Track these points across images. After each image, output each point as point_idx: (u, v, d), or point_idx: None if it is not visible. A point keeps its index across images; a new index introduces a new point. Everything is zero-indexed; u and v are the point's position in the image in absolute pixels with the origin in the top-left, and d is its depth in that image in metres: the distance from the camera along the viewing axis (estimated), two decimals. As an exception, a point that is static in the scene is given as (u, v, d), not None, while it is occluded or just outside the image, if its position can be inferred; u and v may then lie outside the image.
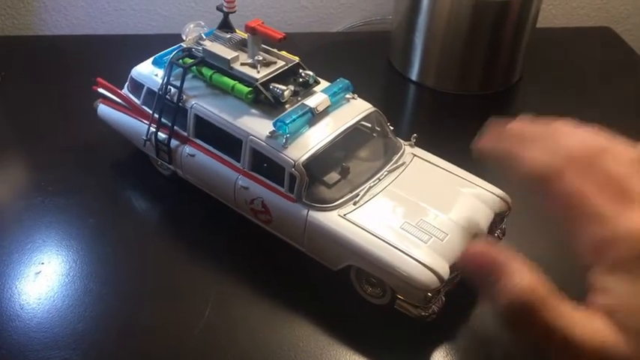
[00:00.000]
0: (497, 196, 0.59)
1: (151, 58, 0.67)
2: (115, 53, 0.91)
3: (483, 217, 0.57)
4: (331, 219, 0.55)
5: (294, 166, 0.55)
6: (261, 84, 0.59)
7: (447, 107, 0.86)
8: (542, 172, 0.40)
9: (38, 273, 0.59)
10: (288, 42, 0.59)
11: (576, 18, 1.09)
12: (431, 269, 0.51)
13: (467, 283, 0.56)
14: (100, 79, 0.70)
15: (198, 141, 0.63)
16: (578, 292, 0.60)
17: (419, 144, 0.63)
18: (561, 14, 1.08)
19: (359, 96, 0.63)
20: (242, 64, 0.61)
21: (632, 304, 0.35)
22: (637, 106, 0.87)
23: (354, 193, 0.57)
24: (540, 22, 0.88)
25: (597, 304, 0.38)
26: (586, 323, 0.36)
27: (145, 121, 0.66)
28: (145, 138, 0.66)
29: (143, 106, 0.67)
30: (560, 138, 0.42)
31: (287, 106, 0.59)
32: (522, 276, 0.37)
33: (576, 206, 0.39)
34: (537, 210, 0.67)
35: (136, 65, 0.68)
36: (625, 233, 0.37)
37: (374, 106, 0.62)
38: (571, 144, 0.40)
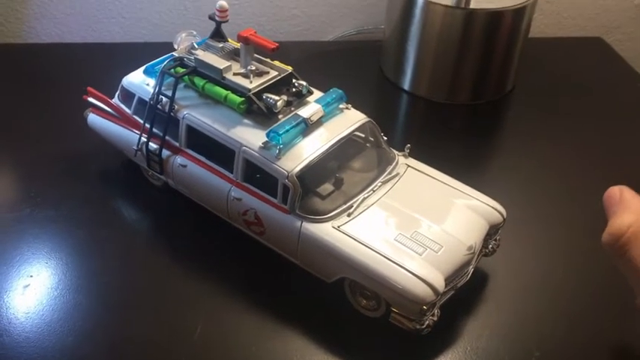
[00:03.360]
0: (492, 208, 0.58)
1: (142, 68, 0.67)
2: (105, 62, 0.90)
3: (478, 229, 0.57)
4: (325, 231, 0.55)
5: (287, 177, 0.55)
6: (254, 94, 0.58)
7: (439, 117, 0.86)
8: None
9: (27, 286, 0.58)
10: (280, 50, 0.59)
11: (568, 28, 1.09)
12: (426, 282, 0.51)
13: (462, 295, 0.56)
14: (90, 89, 0.69)
15: (190, 151, 0.62)
16: (573, 298, 0.60)
17: (411, 154, 0.63)
18: (553, 24, 1.08)
19: (351, 105, 0.63)
20: (235, 74, 0.60)
21: None
22: (628, 115, 0.87)
23: (347, 204, 0.56)
24: (532, 32, 0.88)
25: None
26: None
27: (136, 131, 0.65)
28: (135, 148, 0.65)
29: (134, 116, 0.66)
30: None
31: (280, 116, 0.59)
32: (624, 217, 0.43)
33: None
34: (531, 220, 0.68)
35: (126, 74, 0.67)
36: None
37: (366, 115, 0.62)
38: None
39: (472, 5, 0.80)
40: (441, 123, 0.85)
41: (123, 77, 0.67)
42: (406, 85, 0.89)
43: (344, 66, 0.94)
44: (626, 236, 0.43)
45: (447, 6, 0.80)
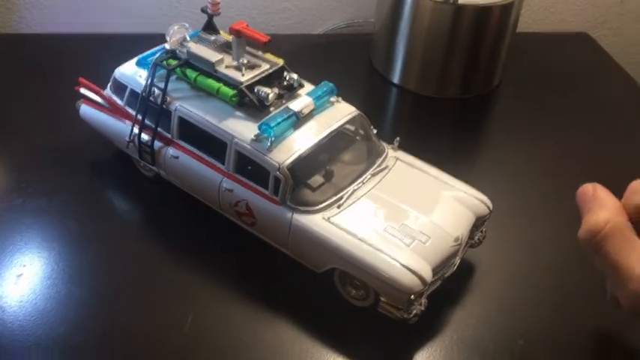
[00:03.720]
0: (479, 200, 0.59)
1: (135, 59, 0.67)
2: (96, 52, 0.90)
3: (465, 220, 0.58)
4: (315, 222, 0.56)
5: (278, 169, 0.55)
6: (246, 87, 0.59)
7: (428, 110, 0.87)
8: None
9: (20, 275, 0.58)
10: (271, 43, 0.59)
11: (555, 23, 1.10)
12: (414, 272, 0.52)
13: (448, 285, 0.57)
14: (82, 79, 0.70)
15: (182, 143, 0.62)
16: (557, 288, 0.61)
17: (400, 147, 0.64)
18: (540, 19, 1.09)
19: (341, 98, 0.63)
20: (227, 67, 0.61)
21: None
22: (612, 109, 0.89)
23: (338, 196, 0.57)
24: (519, 26, 0.89)
25: None
26: None
27: (128, 122, 0.65)
28: (128, 139, 0.65)
29: (126, 107, 0.66)
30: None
31: (272, 109, 0.59)
32: (600, 214, 0.44)
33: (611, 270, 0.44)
34: (517, 213, 0.69)
35: (117, 65, 0.68)
36: None
37: (356, 108, 0.63)
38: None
39: (461, 0, 0.81)
40: (430, 116, 0.86)
41: (114, 68, 0.67)
42: (396, 79, 0.90)
43: (334, 59, 0.95)
44: (603, 232, 0.44)
45: (435, 1, 0.81)
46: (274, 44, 0.60)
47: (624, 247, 0.44)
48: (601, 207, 0.45)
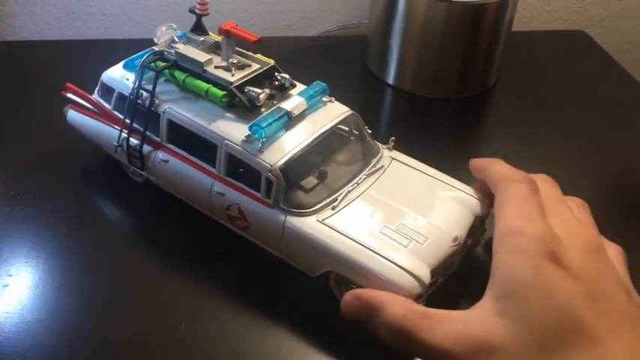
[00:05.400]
0: (477, 199, 0.58)
1: (122, 62, 0.66)
2: (86, 58, 0.89)
3: (463, 220, 0.56)
4: (309, 224, 0.54)
5: (270, 171, 0.54)
6: (235, 87, 0.58)
7: (423, 110, 0.85)
8: None
9: (6, 286, 0.57)
10: (263, 46, 0.58)
11: (550, 21, 1.09)
12: (412, 274, 0.50)
13: (447, 287, 0.56)
14: (69, 84, 0.68)
15: (171, 146, 0.61)
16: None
17: (396, 147, 0.62)
18: (536, 18, 1.08)
19: (336, 100, 0.62)
20: (216, 67, 0.59)
21: None
22: (609, 108, 0.88)
23: (332, 197, 0.56)
24: (515, 25, 0.88)
25: None
26: (456, 332, 0.44)
27: (117, 127, 0.64)
28: (116, 144, 0.64)
29: (114, 112, 0.65)
30: None
31: (263, 109, 0.58)
32: (393, 307, 0.46)
33: None
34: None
35: (105, 70, 0.66)
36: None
37: (351, 109, 0.62)
38: None
39: (455, -2, 0.80)
40: (426, 116, 0.85)
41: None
42: (390, 79, 0.89)
43: (328, 61, 0.94)
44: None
45: (429, -1, 0.80)
46: (266, 47, 0.59)
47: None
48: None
